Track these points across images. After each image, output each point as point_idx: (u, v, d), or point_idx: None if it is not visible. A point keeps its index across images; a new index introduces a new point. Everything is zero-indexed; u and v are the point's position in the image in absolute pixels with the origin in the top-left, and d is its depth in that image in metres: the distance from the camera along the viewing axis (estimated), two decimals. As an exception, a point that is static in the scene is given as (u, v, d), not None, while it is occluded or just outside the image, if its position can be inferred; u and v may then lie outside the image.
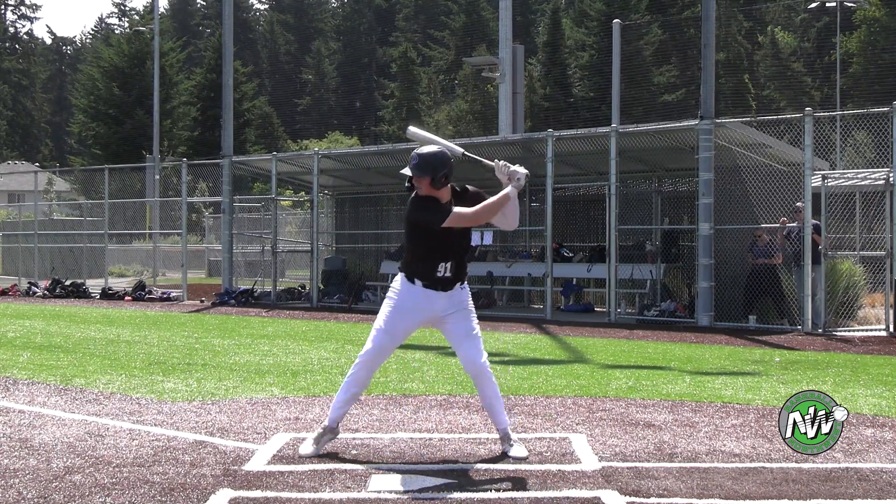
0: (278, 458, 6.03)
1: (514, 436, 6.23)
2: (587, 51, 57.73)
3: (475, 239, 20.79)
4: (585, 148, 18.60)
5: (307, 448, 6.14)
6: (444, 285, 6.06)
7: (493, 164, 6.13)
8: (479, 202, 6.01)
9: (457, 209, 5.94)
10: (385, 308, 6.16)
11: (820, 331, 14.74)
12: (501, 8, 22.50)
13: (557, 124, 45.13)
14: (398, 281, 6.17)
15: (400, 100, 73.29)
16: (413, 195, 6.07)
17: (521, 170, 6.03)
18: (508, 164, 6.08)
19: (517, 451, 6.04)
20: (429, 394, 8.43)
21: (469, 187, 6.15)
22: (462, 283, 6.16)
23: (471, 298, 6.24)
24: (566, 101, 57.34)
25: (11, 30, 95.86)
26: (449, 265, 6.03)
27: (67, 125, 77.10)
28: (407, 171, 6.00)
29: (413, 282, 6.08)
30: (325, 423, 6.26)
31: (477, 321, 6.19)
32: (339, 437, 6.35)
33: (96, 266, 28.24)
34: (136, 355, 11.59)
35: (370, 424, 7.13)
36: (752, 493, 5.26)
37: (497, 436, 6.36)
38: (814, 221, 14.96)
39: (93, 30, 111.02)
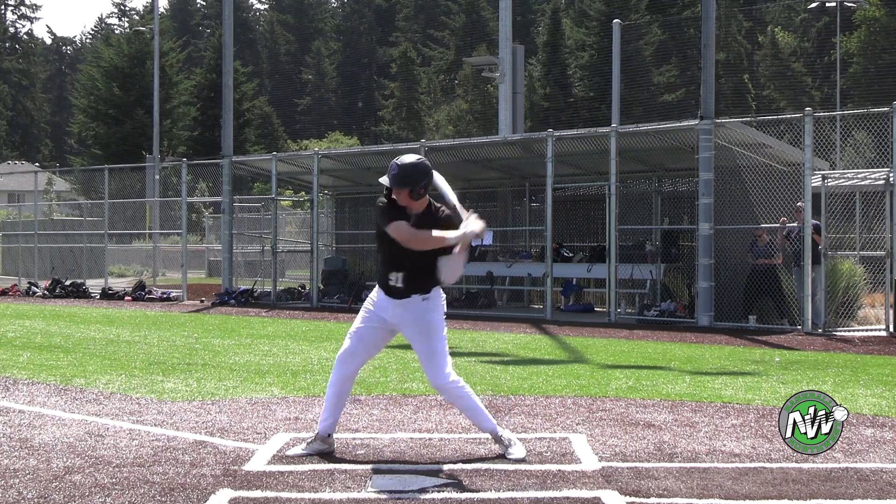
0: (278, 458, 6.03)
1: (509, 435, 6.11)
2: (587, 51, 57.76)
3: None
4: (585, 148, 18.60)
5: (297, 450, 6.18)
6: (396, 294, 5.99)
7: (464, 212, 5.92)
8: (445, 229, 5.84)
9: (400, 222, 5.84)
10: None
11: (820, 331, 14.74)
12: (501, 8, 22.50)
13: (557, 124, 45.10)
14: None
15: (400, 100, 73.31)
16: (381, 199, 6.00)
17: (474, 227, 5.78)
18: (471, 220, 5.83)
19: (516, 451, 5.99)
20: (429, 394, 8.42)
21: (445, 211, 5.97)
22: (425, 295, 5.97)
23: (439, 311, 6.01)
24: (566, 101, 57.35)
25: (11, 30, 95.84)
26: (400, 276, 5.95)
27: (67, 125, 77.11)
28: (385, 181, 5.89)
29: (379, 286, 6.13)
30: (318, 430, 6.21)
31: (443, 336, 6.00)
32: (339, 436, 6.35)
33: (96, 266, 28.24)
34: (136, 355, 11.59)
35: (370, 424, 7.13)
36: (752, 493, 5.26)
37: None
38: (814, 221, 14.95)
39: (93, 30, 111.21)
